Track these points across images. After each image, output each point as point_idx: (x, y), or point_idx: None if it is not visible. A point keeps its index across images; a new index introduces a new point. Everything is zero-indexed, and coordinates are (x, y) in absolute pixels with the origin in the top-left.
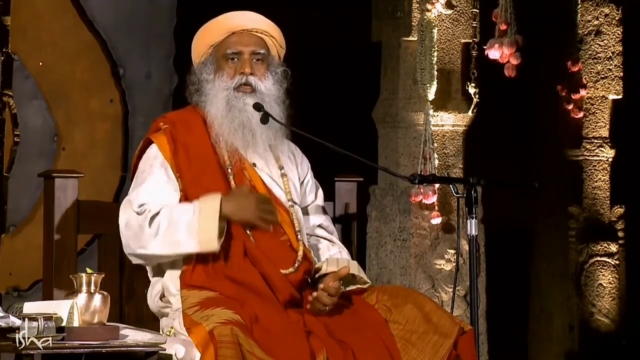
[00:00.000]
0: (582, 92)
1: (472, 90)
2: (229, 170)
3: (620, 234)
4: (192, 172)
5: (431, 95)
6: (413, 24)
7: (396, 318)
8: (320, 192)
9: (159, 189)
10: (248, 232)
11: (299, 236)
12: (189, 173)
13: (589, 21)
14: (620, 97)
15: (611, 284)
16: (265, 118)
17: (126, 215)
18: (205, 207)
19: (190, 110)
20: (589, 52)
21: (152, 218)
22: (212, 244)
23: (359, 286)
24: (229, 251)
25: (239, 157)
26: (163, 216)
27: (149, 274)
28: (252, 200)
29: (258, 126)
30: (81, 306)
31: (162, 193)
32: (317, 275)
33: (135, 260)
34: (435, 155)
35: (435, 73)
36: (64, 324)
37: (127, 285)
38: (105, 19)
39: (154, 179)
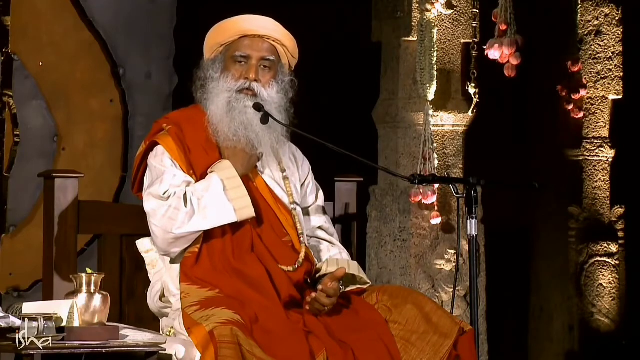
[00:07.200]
0: (582, 92)
1: (472, 90)
2: None
3: (620, 234)
4: (203, 168)
5: (431, 95)
6: (413, 24)
7: (396, 318)
8: (321, 193)
9: (177, 177)
10: (253, 228)
11: (301, 238)
12: (199, 169)
13: (589, 21)
14: (620, 97)
15: (611, 284)
16: (265, 118)
17: (150, 205)
18: (225, 177)
19: (194, 109)
20: (589, 52)
21: (184, 198)
22: (249, 210)
23: (359, 286)
24: (237, 244)
25: None
26: (193, 194)
27: (149, 274)
28: (242, 151)
29: (260, 128)
30: (81, 306)
31: (181, 180)
32: (317, 276)
33: (170, 249)
34: (435, 155)
35: (435, 73)
36: (64, 324)
37: (127, 285)
38: (105, 19)
39: (170, 171)
